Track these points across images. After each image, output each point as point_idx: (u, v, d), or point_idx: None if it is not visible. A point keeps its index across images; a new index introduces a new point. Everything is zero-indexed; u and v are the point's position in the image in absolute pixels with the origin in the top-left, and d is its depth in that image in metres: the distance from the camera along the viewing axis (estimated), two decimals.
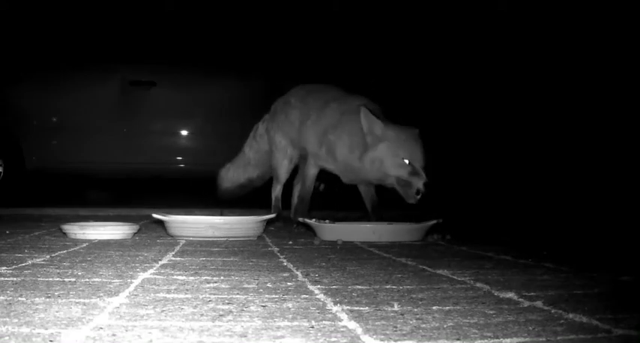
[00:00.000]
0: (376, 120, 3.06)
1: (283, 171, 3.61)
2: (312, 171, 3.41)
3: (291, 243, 2.55)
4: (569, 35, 5.75)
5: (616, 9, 5.45)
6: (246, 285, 1.48)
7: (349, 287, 1.46)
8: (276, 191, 3.66)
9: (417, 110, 5.60)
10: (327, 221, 2.84)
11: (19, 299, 1.26)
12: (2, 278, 1.51)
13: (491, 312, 1.19)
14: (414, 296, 1.36)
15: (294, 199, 3.66)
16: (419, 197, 3.06)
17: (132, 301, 1.26)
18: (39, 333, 0.98)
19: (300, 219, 2.95)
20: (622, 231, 3.44)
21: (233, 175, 3.86)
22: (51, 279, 1.51)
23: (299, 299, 1.31)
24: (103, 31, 5.26)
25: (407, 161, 3.04)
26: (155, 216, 2.69)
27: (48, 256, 1.97)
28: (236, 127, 3.94)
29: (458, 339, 0.99)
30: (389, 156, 3.06)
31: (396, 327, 1.07)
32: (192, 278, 1.58)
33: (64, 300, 1.26)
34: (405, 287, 1.47)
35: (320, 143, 3.29)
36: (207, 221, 2.67)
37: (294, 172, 3.72)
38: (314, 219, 2.83)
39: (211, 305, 1.24)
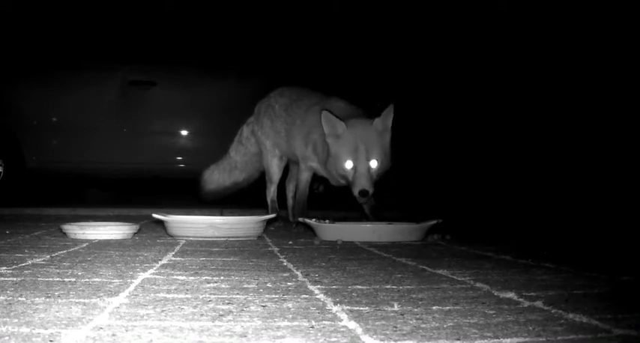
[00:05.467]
0: (338, 120, 3.05)
1: (276, 171, 3.62)
2: (305, 176, 3.42)
3: (291, 243, 2.55)
4: (569, 35, 5.75)
5: (615, 9, 5.44)
6: (246, 285, 1.48)
7: (349, 287, 1.46)
8: (271, 193, 3.66)
9: (418, 111, 5.60)
10: (327, 221, 2.84)
11: (19, 299, 1.26)
12: (2, 278, 1.51)
13: (491, 312, 1.19)
14: (414, 296, 1.36)
15: (290, 200, 3.67)
16: (364, 199, 3.06)
17: (132, 301, 1.26)
18: (39, 333, 0.98)
19: (301, 219, 2.95)
20: (622, 231, 3.44)
21: (218, 178, 3.85)
22: (51, 279, 1.51)
23: (299, 299, 1.31)
24: (103, 30, 5.26)
25: (350, 164, 3.04)
26: (155, 216, 2.69)
27: (48, 256, 1.97)
28: (236, 127, 3.93)
29: (458, 339, 0.99)
30: (338, 159, 3.06)
31: (396, 327, 1.06)
32: (192, 278, 1.58)
33: (64, 300, 1.25)
34: (405, 287, 1.47)
35: (306, 143, 3.31)
36: (207, 221, 2.67)
37: (285, 173, 3.72)
38: (314, 219, 2.84)
39: (211, 305, 1.24)
